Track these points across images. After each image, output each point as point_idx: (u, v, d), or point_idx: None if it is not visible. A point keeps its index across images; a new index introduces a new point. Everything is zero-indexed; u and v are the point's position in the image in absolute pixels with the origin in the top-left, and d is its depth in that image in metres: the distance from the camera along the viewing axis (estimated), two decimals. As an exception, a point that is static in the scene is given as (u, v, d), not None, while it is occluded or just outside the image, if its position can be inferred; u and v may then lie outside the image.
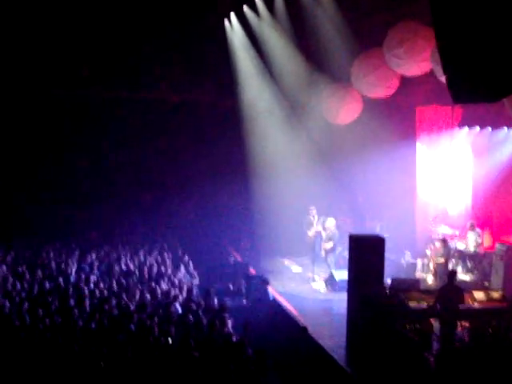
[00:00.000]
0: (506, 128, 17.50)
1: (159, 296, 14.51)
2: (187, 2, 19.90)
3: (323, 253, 18.78)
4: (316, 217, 19.25)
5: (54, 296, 13.98)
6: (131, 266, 17.35)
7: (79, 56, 22.39)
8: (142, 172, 24.77)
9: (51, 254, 18.26)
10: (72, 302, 13.54)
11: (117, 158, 24.47)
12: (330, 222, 18.88)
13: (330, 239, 18.67)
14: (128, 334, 11.25)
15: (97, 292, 14.40)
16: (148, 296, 14.22)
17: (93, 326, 11.82)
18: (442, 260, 16.12)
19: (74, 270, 16.83)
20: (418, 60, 14.31)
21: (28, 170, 23.33)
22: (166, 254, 19.02)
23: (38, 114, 23.21)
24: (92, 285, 15.19)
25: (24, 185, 23.13)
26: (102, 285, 15.12)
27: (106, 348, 10.32)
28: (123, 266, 17.33)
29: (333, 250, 18.71)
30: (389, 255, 15.49)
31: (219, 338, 11.42)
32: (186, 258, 18.70)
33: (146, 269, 17.03)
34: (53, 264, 17.11)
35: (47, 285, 14.98)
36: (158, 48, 22.52)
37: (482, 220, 18.88)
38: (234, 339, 11.45)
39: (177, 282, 16.07)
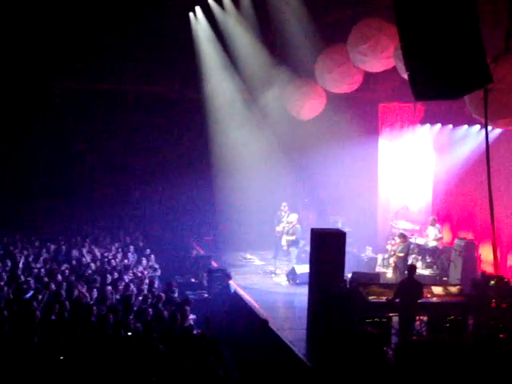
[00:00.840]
0: (466, 125, 17.75)
1: (120, 288, 14.44)
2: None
3: (285, 246, 18.93)
4: (288, 213, 19.46)
5: (11, 287, 13.86)
6: (90, 258, 17.26)
7: (43, 47, 22.14)
8: (106, 165, 24.59)
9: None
10: (29, 294, 13.44)
11: (79, 149, 24.26)
12: (293, 217, 19.08)
13: (292, 233, 18.86)
14: (88, 326, 11.20)
15: (54, 284, 14.24)
16: (109, 288, 14.14)
17: (52, 317, 11.74)
18: (401, 254, 16.32)
19: (29, 260, 16.70)
20: (381, 57, 14.41)
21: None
22: (128, 246, 18.93)
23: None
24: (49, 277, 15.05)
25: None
26: (59, 276, 14.96)
27: (65, 340, 10.26)
28: (84, 259, 17.21)
29: (295, 243, 18.86)
30: (350, 249, 15.66)
31: (180, 330, 11.43)
32: (148, 250, 18.65)
33: (106, 261, 16.95)
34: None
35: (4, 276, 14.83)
36: (122, 40, 22.36)
37: (442, 215, 19.16)
38: (195, 332, 11.48)
39: (139, 274, 16.04)
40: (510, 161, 16.47)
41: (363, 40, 14.51)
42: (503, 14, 10.70)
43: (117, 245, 19.13)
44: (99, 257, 17.59)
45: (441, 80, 7.82)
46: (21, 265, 16.18)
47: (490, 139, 9.26)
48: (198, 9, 20.79)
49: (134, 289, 14.37)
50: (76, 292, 13.58)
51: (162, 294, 13.67)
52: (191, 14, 21.10)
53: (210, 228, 22.88)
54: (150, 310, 12.56)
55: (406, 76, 8.38)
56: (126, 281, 15.02)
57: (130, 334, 10.87)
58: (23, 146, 23.32)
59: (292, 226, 18.97)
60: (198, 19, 21.02)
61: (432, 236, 17.75)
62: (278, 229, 19.30)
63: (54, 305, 12.37)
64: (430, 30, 7.60)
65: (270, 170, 21.55)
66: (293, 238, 18.83)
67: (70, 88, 23.59)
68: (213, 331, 11.60)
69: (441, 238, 17.85)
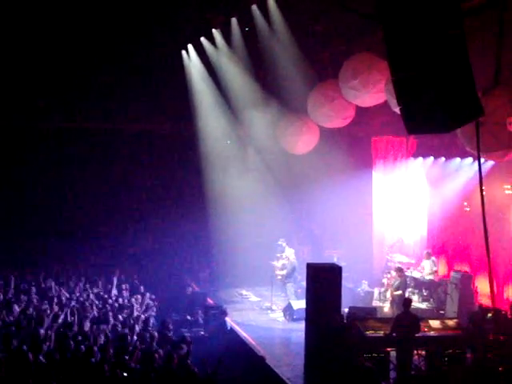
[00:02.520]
0: (459, 158, 17.83)
1: (118, 327, 14.29)
2: (144, 34, 19.94)
3: (279, 279, 18.97)
4: (286, 249, 19.56)
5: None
6: (85, 298, 17.12)
7: (36, 87, 22.25)
8: (101, 201, 24.56)
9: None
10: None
11: (74, 187, 24.25)
12: (289, 252, 19.12)
13: (288, 268, 18.93)
14: (87, 367, 11.05)
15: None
16: (106, 327, 14.00)
17: (46, 360, 11.58)
18: (398, 292, 16.24)
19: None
20: (372, 91, 14.51)
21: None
22: (123, 285, 18.78)
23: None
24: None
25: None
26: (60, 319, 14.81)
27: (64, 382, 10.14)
28: (80, 298, 17.07)
29: (292, 278, 18.83)
30: (346, 284, 15.61)
31: (181, 371, 11.26)
32: (142, 288, 18.52)
33: (101, 300, 16.82)
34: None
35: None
36: (115, 78, 22.50)
37: (438, 248, 19.14)
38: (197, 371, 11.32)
39: (135, 313, 15.89)
40: (503, 192, 16.52)
41: (354, 75, 14.61)
42: (492, 47, 10.81)
43: (113, 283, 18.92)
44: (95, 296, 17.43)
45: (433, 114, 7.86)
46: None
47: (482, 171, 9.29)
48: (190, 47, 20.98)
49: (131, 328, 14.22)
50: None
51: (155, 333, 13.50)
52: (183, 52, 21.30)
53: (204, 264, 22.80)
54: (145, 349, 12.41)
55: (397, 110, 8.42)
56: (121, 319, 14.89)
57: (125, 374, 10.74)
58: (18, 186, 23.34)
59: (288, 260, 19.01)
60: (190, 57, 21.20)
61: (428, 269, 17.73)
62: (277, 264, 19.38)
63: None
64: (420, 65, 7.66)
65: (265, 205, 21.57)
66: (289, 272, 18.88)
67: (64, 127, 23.69)
68: (210, 370, 11.46)
69: (436, 271, 17.83)
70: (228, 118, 21.58)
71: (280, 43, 18.10)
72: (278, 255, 19.65)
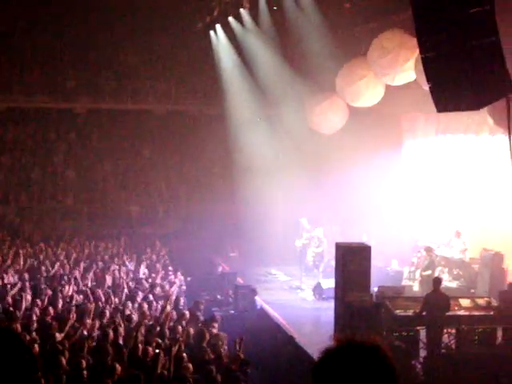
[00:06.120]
0: (488, 134, 17.64)
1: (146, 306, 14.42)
2: (172, 14, 20.00)
3: (311, 261, 18.94)
4: (306, 229, 19.52)
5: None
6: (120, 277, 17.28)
7: (64, 68, 22.48)
8: (130, 181, 24.78)
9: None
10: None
11: (103, 167, 24.50)
12: (318, 231, 19.12)
13: (318, 246, 18.91)
14: (116, 346, 11.18)
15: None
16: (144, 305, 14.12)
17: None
18: (428, 272, 16.17)
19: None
20: (402, 70, 14.42)
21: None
22: (156, 264, 18.91)
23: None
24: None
25: None
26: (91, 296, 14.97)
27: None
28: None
29: (321, 257, 18.84)
30: (375, 263, 15.59)
31: (208, 348, 11.35)
32: (173, 268, 18.65)
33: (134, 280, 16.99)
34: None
35: None
36: (143, 60, 22.63)
37: (468, 226, 18.98)
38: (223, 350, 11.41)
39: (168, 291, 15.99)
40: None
41: (384, 53, 14.52)
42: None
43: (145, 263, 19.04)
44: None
45: (462, 91, 7.80)
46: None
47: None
48: (218, 27, 20.97)
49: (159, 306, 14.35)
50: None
51: (186, 312, 13.62)
52: (212, 32, 21.29)
53: (234, 244, 22.90)
54: (179, 327, 12.50)
55: (427, 88, 8.37)
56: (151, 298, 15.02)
57: (157, 351, 10.86)
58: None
59: (318, 239, 19.01)
60: (218, 37, 21.19)
61: (458, 248, 17.61)
62: (298, 244, 19.39)
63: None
64: (450, 42, 7.61)
65: (293, 184, 21.53)
66: (319, 250, 18.87)
67: (93, 108, 23.95)
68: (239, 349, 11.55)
69: (466, 250, 17.70)
70: (257, 98, 21.56)
71: (308, 21, 18.03)
72: (304, 234, 19.61)
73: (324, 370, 2.57)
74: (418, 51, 8.37)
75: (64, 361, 9.84)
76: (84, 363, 9.69)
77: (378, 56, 14.78)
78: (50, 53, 23.85)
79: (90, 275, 16.85)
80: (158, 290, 16.05)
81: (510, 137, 8.87)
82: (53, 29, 23.36)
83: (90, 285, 16.13)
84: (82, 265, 17.92)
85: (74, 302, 14.12)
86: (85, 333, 11.78)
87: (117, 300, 14.60)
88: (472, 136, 18.50)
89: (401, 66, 14.37)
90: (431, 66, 7.97)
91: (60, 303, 13.98)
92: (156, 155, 25.41)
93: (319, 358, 2.62)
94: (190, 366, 10.00)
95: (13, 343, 2.22)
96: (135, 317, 13.09)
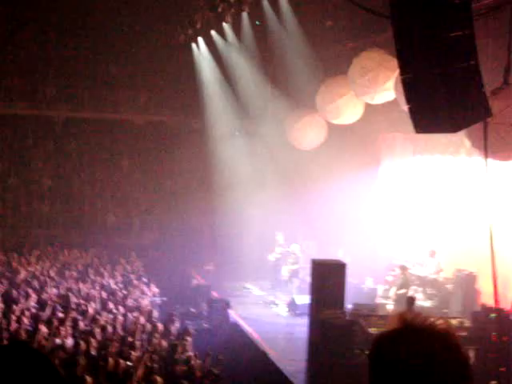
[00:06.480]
0: (465, 156, 17.78)
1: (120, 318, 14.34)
2: (155, 26, 20.04)
3: (286, 276, 18.98)
4: (281, 242, 19.59)
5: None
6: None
7: (45, 76, 22.38)
8: (107, 191, 24.67)
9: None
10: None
11: (80, 176, 24.37)
12: (295, 247, 19.17)
13: (294, 263, 18.95)
14: (87, 358, 11.11)
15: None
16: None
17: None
18: (402, 291, 16.23)
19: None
20: (381, 89, 14.53)
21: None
22: (129, 275, 18.83)
23: None
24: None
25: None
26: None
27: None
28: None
29: (296, 274, 18.88)
30: (350, 280, 15.62)
31: (180, 362, 11.33)
32: (147, 279, 18.57)
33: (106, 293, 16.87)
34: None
35: None
36: (123, 70, 22.61)
37: (442, 247, 19.09)
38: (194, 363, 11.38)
39: (141, 303, 15.93)
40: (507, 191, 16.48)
41: (364, 72, 14.62)
42: (502, 48, 10.80)
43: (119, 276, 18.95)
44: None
45: (441, 114, 7.88)
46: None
47: (489, 171, 9.31)
48: (200, 40, 21.02)
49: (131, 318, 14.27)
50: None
51: (159, 325, 13.56)
52: (194, 44, 21.33)
53: (210, 257, 22.84)
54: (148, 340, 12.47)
55: (406, 108, 8.45)
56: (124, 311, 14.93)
57: (129, 363, 10.81)
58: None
59: (294, 256, 19.06)
60: (200, 50, 21.24)
61: (432, 267, 17.70)
62: (271, 258, 19.47)
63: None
64: (430, 65, 7.69)
65: (271, 198, 21.57)
66: (295, 267, 18.90)
67: (72, 117, 23.85)
68: (212, 364, 11.53)
69: (441, 270, 17.80)
70: (236, 113, 21.61)
71: (290, 38, 18.13)
72: (277, 249, 19.70)
73: (389, 355, 2.19)
74: (398, 71, 8.44)
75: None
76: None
77: (358, 75, 14.88)
78: (31, 60, 23.76)
79: (64, 284, 16.73)
80: (131, 301, 15.99)
81: (486, 160, 8.98)
82: (34, 36, 23.32)
83: (63, 293, 16.01)
84: (56, 273, 17.79)
85: (47, 312, 14.01)
86: (58, 342, 11.70)
87: (90, 310, 14.50)
88: (449, 157, 18.65)
89: (381, 85, 14.46)
90: (411, 88, 8.05)
91: (33, 312, 13.87)
92: (134, 166, 25.35)
93: (382, 341, 2.22)
94: (159, 379, 9.95)
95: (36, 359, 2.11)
96: (108, 328, 13.02)
